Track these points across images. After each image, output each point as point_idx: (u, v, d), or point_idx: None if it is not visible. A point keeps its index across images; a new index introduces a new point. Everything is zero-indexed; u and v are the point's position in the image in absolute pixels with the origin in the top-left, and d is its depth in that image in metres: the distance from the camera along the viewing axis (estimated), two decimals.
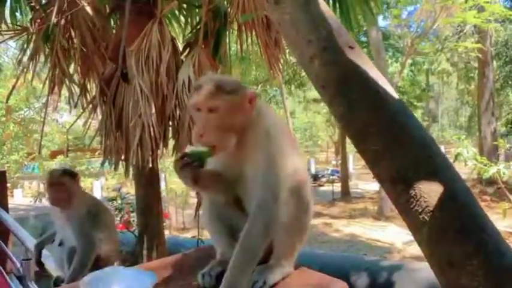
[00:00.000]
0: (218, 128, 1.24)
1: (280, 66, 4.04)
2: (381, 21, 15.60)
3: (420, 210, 1.29)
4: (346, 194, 17.06)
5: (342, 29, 1.57)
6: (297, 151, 1.45)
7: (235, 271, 1.18)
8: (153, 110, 3.25)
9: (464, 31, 14.31)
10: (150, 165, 3.35)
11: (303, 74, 16.70)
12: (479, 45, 12.05)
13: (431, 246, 1.30)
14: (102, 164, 3.88)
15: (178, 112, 3.47)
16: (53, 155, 17.93)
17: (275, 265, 1.30)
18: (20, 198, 16.55)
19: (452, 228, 1.26)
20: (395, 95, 1.47)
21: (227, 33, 4.06)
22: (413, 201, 1.30)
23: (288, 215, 1.28)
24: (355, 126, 1.47)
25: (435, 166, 1.34)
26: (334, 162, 26.38)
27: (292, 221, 1.30)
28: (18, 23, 4.35)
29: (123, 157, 3.64)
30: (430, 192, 1.29)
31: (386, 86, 1.47)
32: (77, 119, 4.26)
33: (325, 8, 1.59)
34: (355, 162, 25.34)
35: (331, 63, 1.49)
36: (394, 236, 10.22)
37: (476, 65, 18.00)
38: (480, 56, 12.75)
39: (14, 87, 4.57)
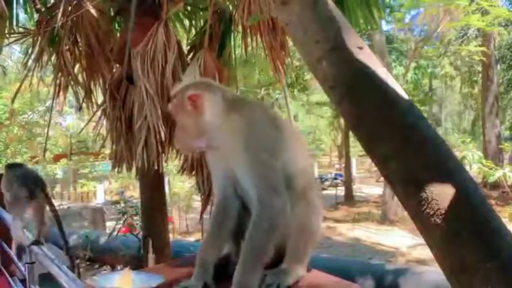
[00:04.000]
0: (178, 129, 1.36)
1: (285, 69, 4.02)
2: (384, 25, 15.58)
3: (432, 213, 1.26)
4: (349, 198, 16.99)
5: (350, 29, 1.55)
6: (300, 149, 1.43)
7: (245, 271, 1.16)
8: (159, 112, 3.24)
9: (468, 35, 14.28)
10: (156, 167, 3.34)
11: (306, 77, 16.70)
12: (483, 48, 12.01)
13: (443, 250, 1.28)
14: (113, 167, 3.89)
15: None
16: (56, 158, 17.97)
17: (288, 268, 1.28)
18: None
19: (465, 231, 1.23)
20: (405, 96, 1.45)
21: (232, 35, 4.05)
22: (425, 203, 1.28)
23: (298, 217, 1.27)
24: (364, 127, 1.45)
25: (447, 168, 1.32)
26: (337, 166, 26.32)
27: (303, 224, 1.29)
28: (23, 26, 4.36)
29: (131, 159, 3.65)
30: (441, 194, 1.26)
31: (396, 87, 1.45)
32: (86, 124, 4.29)
33: (333, 8, 1.57)
34: (358, 166, 25.28)
35: (340, 64, 1.47)
36: (398, 240, 10.16)
37: (479, 68, 17.97)
38: (484, 59, 12.70)
39: (18, 89, 4.57)
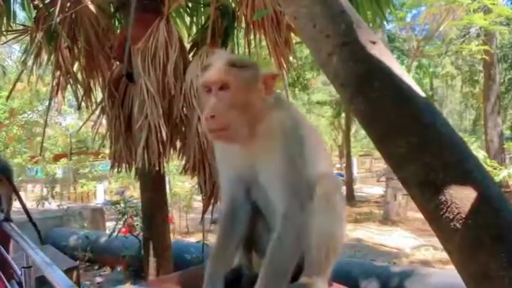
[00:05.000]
0: (230, 107, 1.11)
1: (289, 66, 3.95)
2: (386, 24, 15.52)
3: (451, 217, 1.18)
4: (350, 198, 16.93)
5: (362, 23, 1.48)
6: (324, 154, 1.34)
7: None
8: (160, 111, 3.16)
9: (470, 33, 14.21)
10: (157, 168, 3.26)
11: (307, 76, 16.64)
12: (486, 47, 11.95)
13: (463, 256, 1.20)
14: (112, 167, 3.83)
15: (186, 113, 3.38)
16: (56, 158, 17.91)
17: (308, 283, 1.17)
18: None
19: (488, 236, 1.15)
20: (421, 92, 1.37)
21: (235, 31, 3.98)
22: (444, 207, 1.20)
23: (319, 225, 1.16)
24: (377, 126, 1.36)
25: (467, 168, 1.24)
26: (338, 166, 26.27)
27: (325, 232, 1.17)
28: (21, 23, 4.30)
29: (130, 159, 3.60)
30: (462, 197, 1.18)
31: (411, 83, 1.38)
32: (84, 123, 4.25)
33: (344, 1, 1.50)
34: (359, 166, 25.26)
35: (351, 59, 1.39)
36: (401, 241, 10.08)
37: (480, 68, 17.90)
38: (487, 58, 12.64)
39: (14, 85, 4.52)
